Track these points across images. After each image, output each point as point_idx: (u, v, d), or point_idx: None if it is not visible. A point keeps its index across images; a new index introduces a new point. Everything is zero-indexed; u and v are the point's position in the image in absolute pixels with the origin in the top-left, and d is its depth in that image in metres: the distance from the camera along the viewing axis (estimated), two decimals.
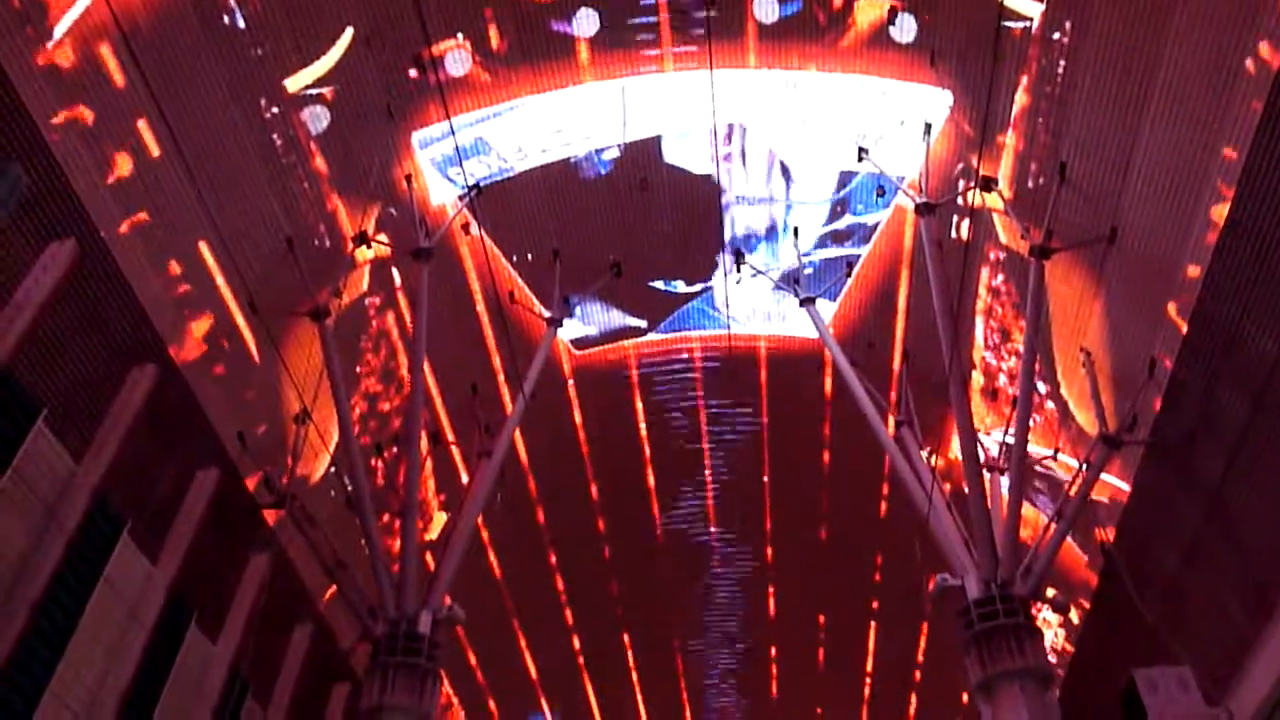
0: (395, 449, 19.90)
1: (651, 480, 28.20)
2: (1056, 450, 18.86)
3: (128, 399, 14.78)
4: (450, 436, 21.35)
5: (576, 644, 31.55)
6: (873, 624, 31.39)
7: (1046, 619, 20.84)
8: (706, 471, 28.13)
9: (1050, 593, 15.65)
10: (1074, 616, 20.16)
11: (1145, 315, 15.61)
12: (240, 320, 17.16)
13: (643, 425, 26.60)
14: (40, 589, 13.26)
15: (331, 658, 19.89)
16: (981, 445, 16.97)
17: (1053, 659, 18.85)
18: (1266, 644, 13.32)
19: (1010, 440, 16.39)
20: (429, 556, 19.62)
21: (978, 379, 20.74)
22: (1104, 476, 16.66)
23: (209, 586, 17.42)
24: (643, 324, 24.47)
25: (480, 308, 21.91)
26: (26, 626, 13.08)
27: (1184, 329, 14.50)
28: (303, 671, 19.88)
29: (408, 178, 18.63)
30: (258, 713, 18.08)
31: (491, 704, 29.78)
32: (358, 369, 20.58)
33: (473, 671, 27.43)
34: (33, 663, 13.43)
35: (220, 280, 16.42)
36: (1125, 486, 17.11)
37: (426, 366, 19.05)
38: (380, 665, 15.78)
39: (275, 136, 16.69)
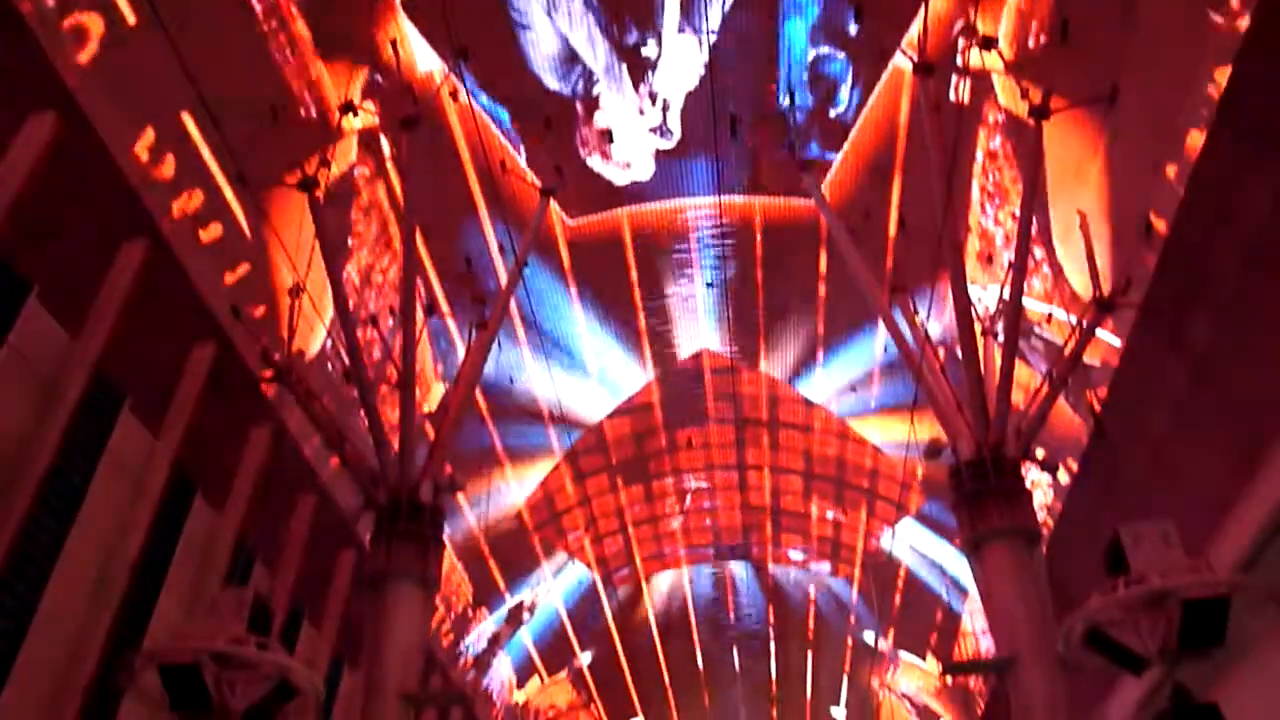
0: (391, 321, 19.91)
1: (647, 350, 28.39)
2: (1050, 314, 18.94)
3: (119, 275, 14.74)
4: (445, 308, 21.35)
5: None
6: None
7: (1035, 479, 21.25)
8: (702, 334, 28.28)
9: (1040, 454, 15.87)
10: (1063, 476, 20.57)
11: (1143, 177, 15.47)
12: (228, 193, 16.95)
13: (637, 293, 26.63)
14: (45, 463, 13.48)
15: (336, 527, 20.34)
16: (975, 312, 16.97)
17: (1041, 516, 19.33)
18: (1247, 500, 13.67)
19: (1006, 297, 16.41)
20: (428, 427, 19.86)
21: (974, 243, 20.67)
22: (1097, 335, 16.76)
23: (212, 459, 17.70)
24: (637, 191, 24.28)
25: (472, 178, 21.67)
26: (34, 500, 13.35)
27: (1182, 191, 14.38)
28: (308, 540, 20.37)
29: (393, 42, 18.14)
30: (266, 580, 18.58)
31: (495, 570, 30.64)
32: (350, 241, 20.46)
33: (475, 539, 28.10)
34: (42, 535, 13.75)
35: (206, 153, 16.16)
36: (1117, 343, 17.25)
37: (419, 238, 18.91)
38: (384, 533, 16.07)
39: (255, 1, 16.18)
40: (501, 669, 34.07)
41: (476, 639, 31.33)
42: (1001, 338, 16.36)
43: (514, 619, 33.30)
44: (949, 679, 30.49)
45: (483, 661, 31.89)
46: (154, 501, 15.65)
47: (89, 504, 14.38)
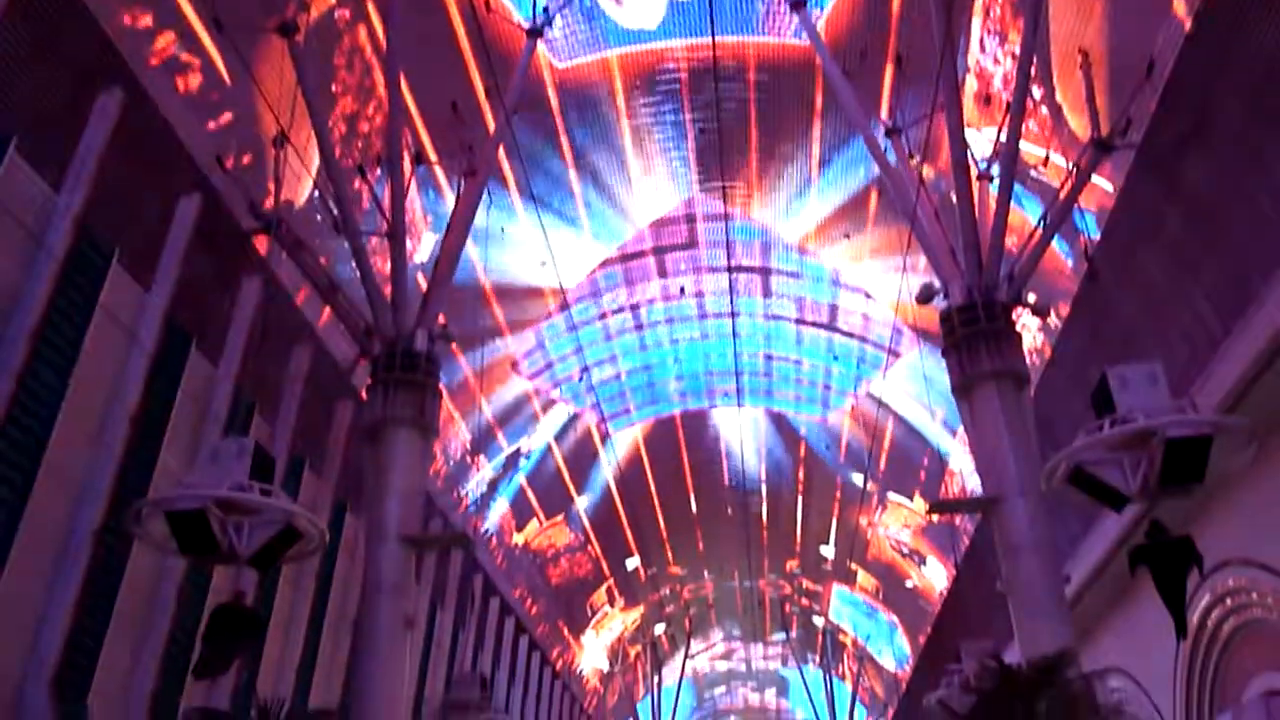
0: (378, 170, 19.60)
1: (639, 191, 28.08)
2: (1047, 156, 18.69)
3: (98, 126, 14.41)
4: (433, 156, 20.98)
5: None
6: None
7: (1026, 324, 21.39)
8: (693, 180, 27.96)
9: (1031, 298, 15.93)
10: (1053, 320, 20.71)
11: (1148, 14, 15.02)
12: (206, 40, 16.43)
13: (627, 136, 26.18)
14: (38, 318, 13.49)
15: (332, 377, 20.52)
16: (971, 154, 16.73)
17: (1033, 360, 19.53)
18: (1233, 342, 13.82)
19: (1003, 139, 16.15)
20: (421, 278, 19.81)
21: (971, 83, 20.22)
22: (1093, 181, 16.60)
23: (205, 312, 17.71)
24: (627, 32, 23.56)
25: (456, 20, 20.97)
26: (29, 356, 13.41)
27: (1188, 27, 13.99)
28: (305, 391, 20.59)
29: None
30: (266, 431, 18.85)
31: (491, 418, 31.10)
32: (333, 88, 19.93)
33: (469, 383, 28.39)
34: (41, 389, 13.87)
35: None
36: (1112, 189, 17.11)
37: (404, 85, 18.44)
38: (380, 382, 16.27)
39: None
40: (500, 513, 35.00)
41: (475, 485, 32.07)
42: (997, 181, 16.20)
43: (511, 464, 34.00)
44: (934, 518, 31.39)
45: (482, 506, 32.72)
46: (149, 354, 15.72)
47: (85, 358, 14.45)
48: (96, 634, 14.94)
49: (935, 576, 36.39)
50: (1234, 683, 16.06)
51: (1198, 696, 16.95)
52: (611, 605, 46.76)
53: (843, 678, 50.61)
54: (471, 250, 23.26)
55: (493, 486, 33.45)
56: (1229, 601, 15.83)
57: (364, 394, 17.00)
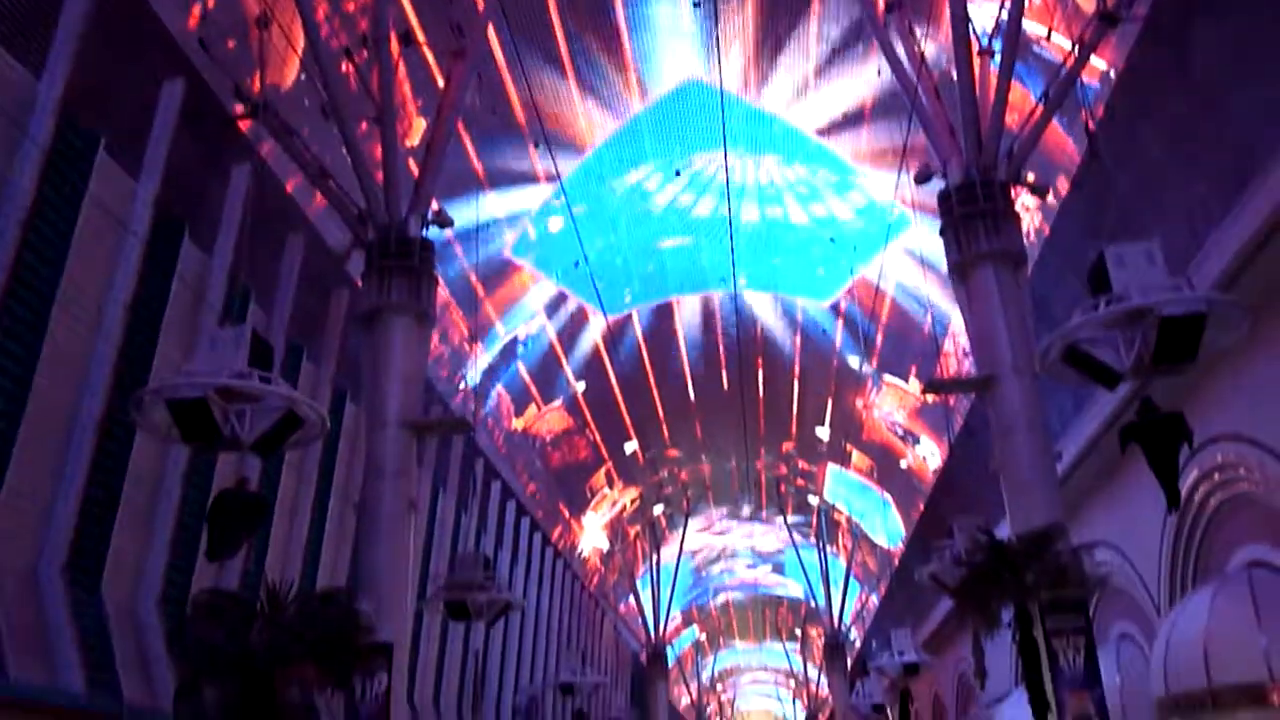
0: (366, 52, 19.13)
1: (633, 77, 27.52)
2: (1050, 30, 18.26)
3: (76, 8, 14.00)
4: (421, 37, 20.46)
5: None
6: None
7: (1025, 204, 21.23)
8: (689, 57, 27.34)
9: (1030, 177, 15.79)
10: (1052, 200, 20.53)
11: None
12: None
13: (621, 14, 25.52)
14: (26, 208, 13.35)
15: (328, 265, 20.43)
16: (973, 31, 16.35)
17: (1031, 240, 19.44)
18: (1231, 220, 13.74)
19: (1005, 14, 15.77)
20: (412, 164, 19.55)
21: None
22: (1092, 62, 16.26)
23: (195, 199, 17.52)
24: None
25: None
26: (20, 246, 13.32)
27: None
28: (301, 279, 20.51)
29: None
30: (263, 319, 18.84)
31: (488, 305, 31.10)
32: None
33: (464, 270, 28.29)
34: (35, 279, 13.82)
35: None
36: (1112, 71, 16.78)
37: None
38: (375, 269, 16.24)
39: None
40: (499, 399, 35.30)
41: (473, 372, 32.26)
42: (998, 57, 15.88)
43: (508, 351, 34.15)
44: (929, 398, 31.69)
45: (481, 392, 32.97)
46: (142, 243, 15.61)
47: (77, 248, 14.36)
48: (105, 521, 15.23)
49: (929, 456, 36.96)
50: (1218, 555, 16.47)
51: (1182, 568, 17.39)
52: (610, 487, 47.59)
53: (837, 554, 51.86)
54: (463, 133, 22.92)
55: (491, 373, 33.65)
56: (1216, 476, 16.11)
57: (359, 281, 16.97)
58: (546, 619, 41.52)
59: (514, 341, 34.25)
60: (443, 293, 22.93)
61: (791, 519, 51.86)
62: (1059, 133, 19.22)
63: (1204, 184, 15.11)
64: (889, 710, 37.91)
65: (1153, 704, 15.83)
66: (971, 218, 14.86)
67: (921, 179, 16.21)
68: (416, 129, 23.18)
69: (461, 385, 31.50)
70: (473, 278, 28.77)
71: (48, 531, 14.10)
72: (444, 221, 17.32)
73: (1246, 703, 13.96)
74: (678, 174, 31.46)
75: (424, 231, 16.55)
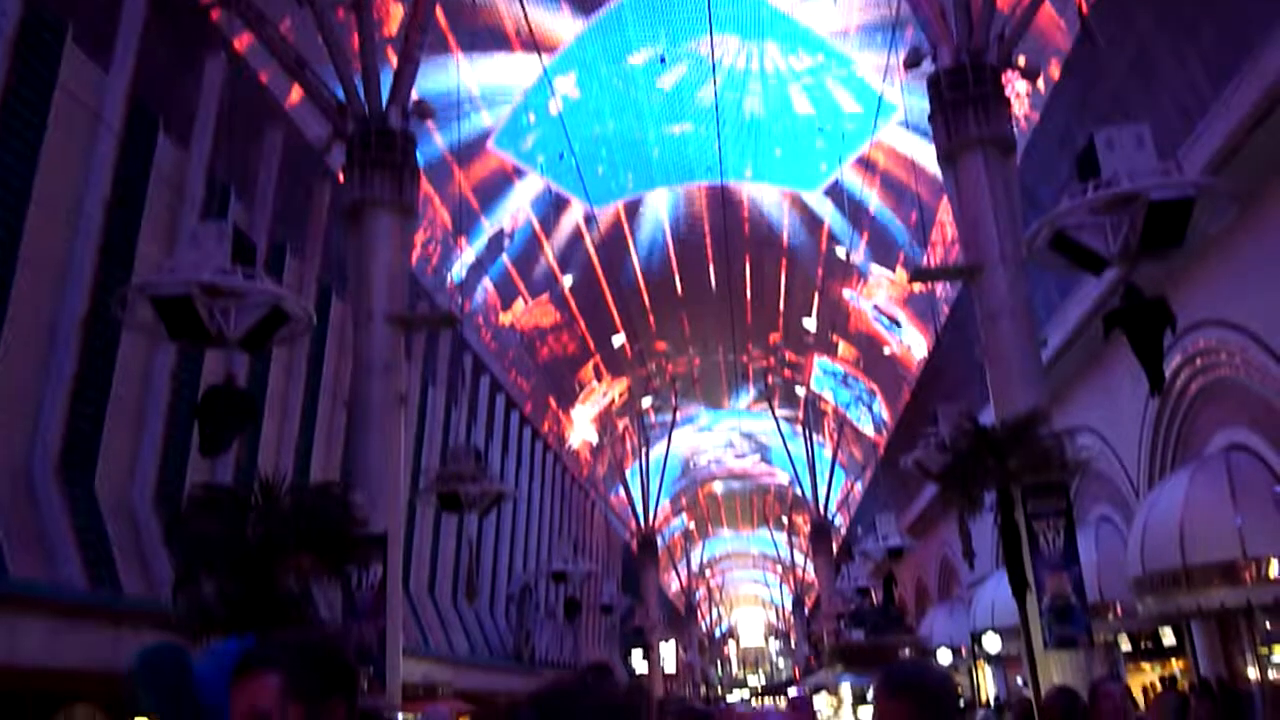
0: None
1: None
2: None
3: None
4: None
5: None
6: None
7: (1017, 90, 20.92)
8: None
9: (1021, 61, 15.52)
10: (1043, 86, 20.23)
11: None
12: None
13: None
14: None
15: (309, 159, 20.09)
16: None
17: (1021, 126, 19.21)
18: (1222, 104, 13.57)
19: None
20: (391, 54, 19.09)
21: None
22: None
23: (170, 92, 17.10)
24: None
25: None
26: None
27: None
28: (282, 174, 20.19)
29: None
30: (244, 215, 18.60)
31: (471, 198, 30.74)
32: None
33: (448, 164, 27.91)
34: (10, 177, 13.58)
35: None
36: None
37: None
38: (356, 163, 16.00)
39: None
40: (486, 294, 35.20)
41: (459, 267, 32.07)
42: None
43: (494, 245, 33.90)
44: (916, 288, 31.73)
45: (468, 286, 32.84)
46: (117, 137, 15.29)
47: (50, 143, 14.07)
48: (95, 419, 15.28)
49: (915, 346, 37.19)
50: (1198, 438, 16.74)
51: (1162, 452, 17.69)
52: (599, 381, 47.87)
53: (823, 444, 52.58)
54: (442, 20, 22.35)
55: (478, 267, 33.47)
56: (1199, 361, 16.28)
57: (341, 175, 16.73)
58: (538, 510, 42.21)
59: (500, 234, 33.99)
60: (426, 186, 22.65)
61: (779, 409, 52.39)
62: (1051, 15, 18.84)
63: (1196, 68, 14.89)
64: (873, 593, 38.95)
65: (1128, 584, 16.27)
66: (961, 103, 14.64)
67: (911, 63, 15.93)
68: (395, 17, 22.56)
69: (448, 280, 31.35)
70: (456, 171, 28.39)
71: (39, 430, 14.16)
72: (425, 112, 17.00)
73: (1219, 581, 14.36)
74: (663, 61, 30.83)
75: (405, 124, 16.25)
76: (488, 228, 33.05)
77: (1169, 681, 19.05)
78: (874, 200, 32.85)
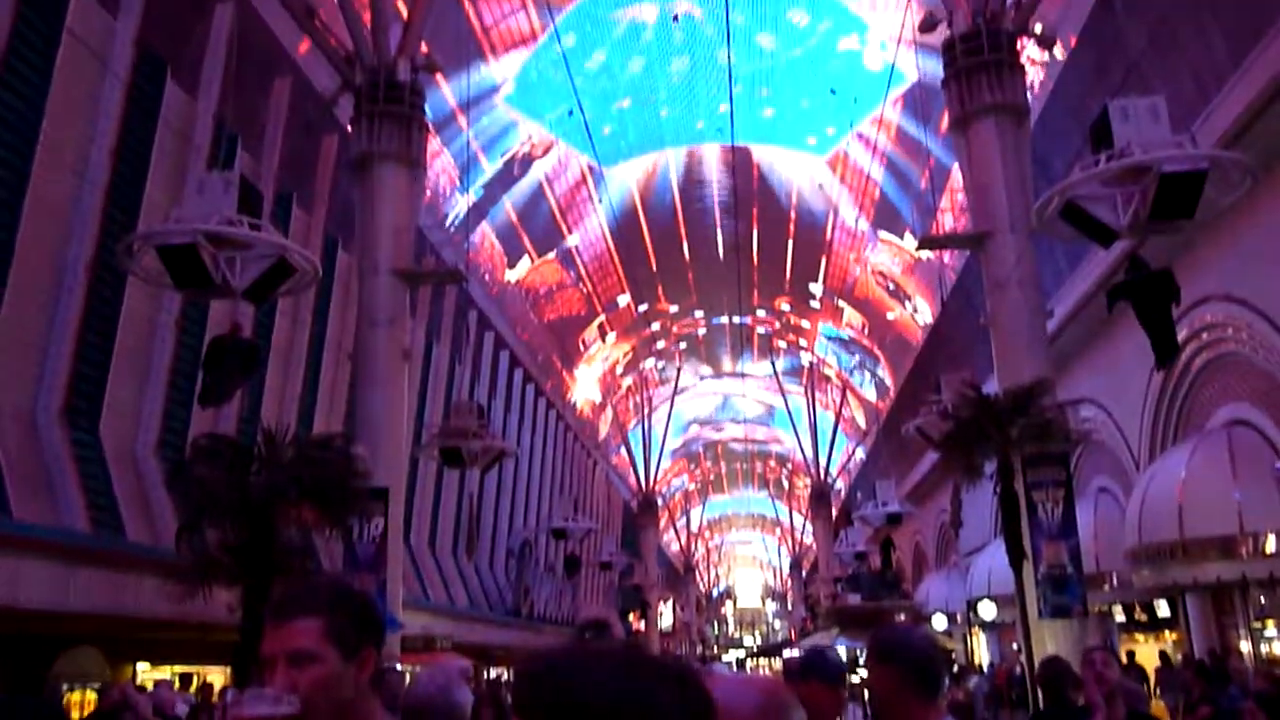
0: None
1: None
2: None
3: None
4: None
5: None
6: None
7: (1032, 57, 20.70)
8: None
9: (1038, 28, 15.34)
10: (1059, 53, 20.01)
11: None
12: None
13: None
14: (2, 42, 12.93)
15: (316, 110, 19.95)
16: None
17: (1035, 92, 19.02)
18: (1239, 77, 13.42)
19: None
20: (401, 5, 18.90)
21: None
22: None
23: (178, 39, 16.98)
24: None
25: None
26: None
27: None
28: (289, 124, 20.08)
29: None
30: (251, 165, 18.52)
31: (478, 152, 30.57)
32: None
33: (455, 115, 27.71)
34: (18, 121, 13.52)
35: None
36: None
37: None
38: (364, 115, 15.90)
39: None
40: (493, 250, 35.11)
41: (466, 221, 31.92)
42: None
43: (502, 199, 33.72)
44: (923, 255, 31.61)
45: (474, 242, 32.73)
46: (124, 83, 15.19)
47: (57, 89, 13.97)
48: (100, 365, 15.33)
49: (921, 313, 37.11)
50: (1200, 412, 16.73)
51: (1164, 426, 17.70)
52: (603, 340, 47.88)
53: (826, 408, 52.65)
54: None
55: (483, 220, 33.35)
56: (1204, 336, 16.23)
57: (349, 127, 16.63)
58: (540, 467, 42.38)
59: (509, 182, 33.70)
60: (434, 141, 22.53)
61: (782, 373, 52.41)
62: None
63: (1216, 41, 14.71)
64: (870, 558, 39.17)
65: (1125, 554, 16.35)
66: (975, 69, 14.50)
67: (926, 27, 15.76)
68: None
69: (454, 235, 31.24)
70: (464, 123, 28.18)
71: (43, 375, 14.21)
72: (434, 66, 16.86)
73: (1215, 554, 14.43)
74: (675, 20, 30.52)
75: (414, 76, 16.13)
76: (496, 183, 32.89)
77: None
78: (883, 166, 32.63)
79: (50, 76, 13.89)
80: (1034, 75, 20.34)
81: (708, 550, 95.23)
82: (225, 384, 11.22)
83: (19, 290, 13.47)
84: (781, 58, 31.78)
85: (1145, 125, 10.09)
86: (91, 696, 13.40)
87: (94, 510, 14.50)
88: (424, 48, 16.73)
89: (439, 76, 20.60)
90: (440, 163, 28.06)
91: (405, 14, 17.37)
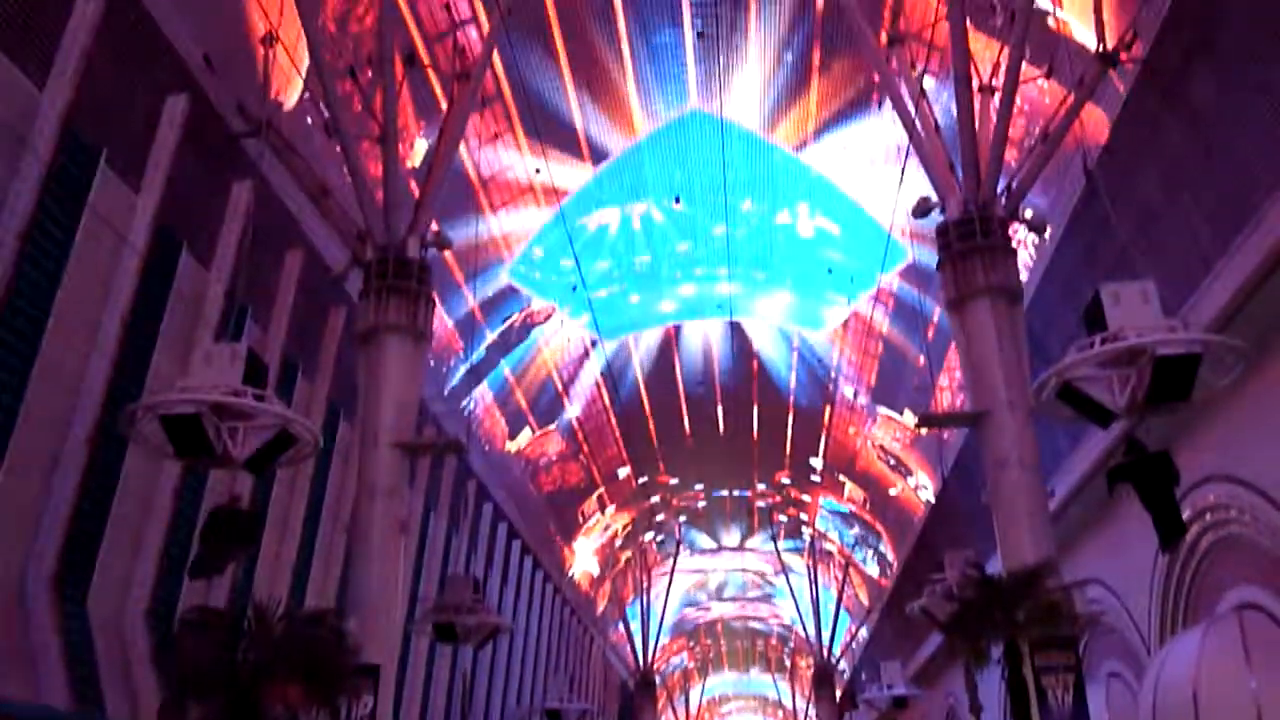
0: (370, 72, 19.24)
1: (634, 105, 27.68)
2: (1050, 68, 18.39)
3: (82, 22, 14.05)
4: (425, 58, 20.58)
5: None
6: None
7: (1023, 240, 21.30)
8: (690, 86, 27.54)
9: (1028, 214, 15.84)
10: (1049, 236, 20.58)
11: None
12: None
13: (625, 44, 25.68)
14: (26, 220, 13.34)
15: (325, 283, 20.41)
16: (975, 68, 16.47)
17: (1025, 276, 19.48)
18: (1227, 261, 13.80)
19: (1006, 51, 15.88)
20: (413, 185, 19.61)
21: None
22: (1094, 101, 16.37)
23: (195, 215, 17.53)
24: None
25: None
26: (18, 258, 13.30)
27: None
28: (299, 296, 20.50)
29: None
30: (259, 335, 18.82)
31: (486, 331, 31.11)
32: None
33: (464, 295, 28.32)
34: (33, 291, 13.80)
35: None
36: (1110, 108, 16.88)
37: None
38: (373, 289, 16.25)
39: None
40: (494, 422, 35.23)
41: (468, 393, 32.15)
42: (999, 94, 15.99)
43: (500, 366, 34.01)
44: (923, 431, 31.69)
45: (474, 413, 32.88)
46: (140, 257, 15.60)
47: (75, 261, 14.34)
48: (94, 535, 15.15)
49: (922, 488, 36.91)
50: (1209, 595, 16.43)
51: (1173, 608, 17.35)
52: (602, 512, 47.45)
53: (828, 585, 51.66)
54: (465, 155, 23.02)
55: (484, 393, 33.59)
56: (1208, 516, 16.10)
57: (357, 299, 16.97)
58: (535, 643, 41.26)
59: (508, 353, 34.05)
60: (441, 314, 22.94)
61: (783, 548, 51.70)
62: (1057, 170, 19.32)
63: (1201, 224, 15.19)
64: None
65: None
66: (969, 253, 14.91)
67: (920, 213, 16.28)
68: (418, 150, 23.28)
69: (455, 406, 31.43)
70: (471, 300, 28.79)
71: (35, 543, 14.01)
72: (443, 243, 17.35)
73: None
74: (677, 201, 31.57)
75: (423, 253, 16.58)
76: (499, 355, 33.31)
77: None
78: (881, 342, 33.11)
79: (69, 249, 14.27)
80: (1026, 256, 20.90)
81: None
82: (220, 556, 11.07)
83: (19, 456, 13.44)
84: (781, 237, 32.70)
85: (1137, 308, 10.31)
86: None
87: (75, 685, 14.05)
88: (434, 225, 17.26)
89: (447, 253, 21.12)
90: (446, 334, 28.49)
91: (417, 194, 17.99)
